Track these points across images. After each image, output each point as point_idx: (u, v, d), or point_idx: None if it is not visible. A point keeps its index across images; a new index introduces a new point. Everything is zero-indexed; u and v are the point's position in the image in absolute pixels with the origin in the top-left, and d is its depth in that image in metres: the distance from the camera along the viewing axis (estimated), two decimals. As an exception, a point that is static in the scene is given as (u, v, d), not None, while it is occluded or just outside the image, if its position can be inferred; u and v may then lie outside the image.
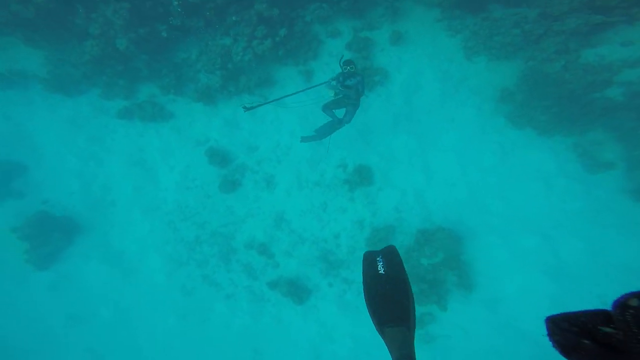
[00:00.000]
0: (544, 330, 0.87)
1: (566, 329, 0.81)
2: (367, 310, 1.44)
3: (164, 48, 10.68)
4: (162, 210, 10.33)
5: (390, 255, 1.58)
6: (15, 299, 9.89)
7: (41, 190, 10.64)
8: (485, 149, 9.81)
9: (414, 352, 1.28)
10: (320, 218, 9.74)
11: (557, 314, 0.85)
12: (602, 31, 9.36)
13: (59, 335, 9.71)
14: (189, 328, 9.63)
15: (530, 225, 9.09)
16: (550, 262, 8.76)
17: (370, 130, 10.20)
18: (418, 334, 8.58)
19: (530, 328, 8.16)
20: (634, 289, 0.72)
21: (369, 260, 1.58)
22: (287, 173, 10.22)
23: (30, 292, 9.94)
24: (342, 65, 7.23)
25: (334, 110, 8.26)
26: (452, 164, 9.77)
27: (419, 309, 8.70)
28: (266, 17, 9.69)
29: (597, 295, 8.28)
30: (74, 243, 10.28)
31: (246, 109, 7.65)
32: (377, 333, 1.37)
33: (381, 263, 1.53)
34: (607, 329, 0.76)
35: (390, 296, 1.43)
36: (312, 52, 10.55)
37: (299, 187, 10.06)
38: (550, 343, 0.84)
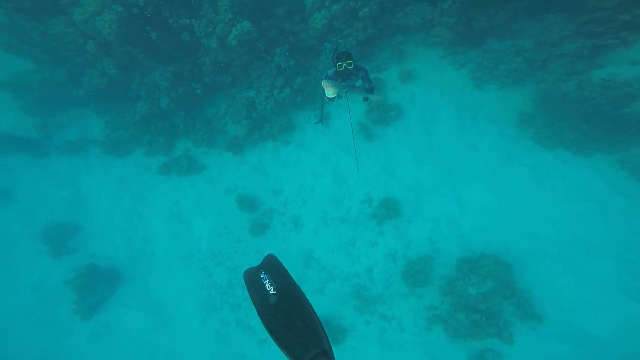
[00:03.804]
0: None
1: None
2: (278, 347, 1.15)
3: (197, 104, 11.20)
4: (196, 258, 10.06)
5: (273, 267, 1.36)
6: (60, 351, 9.56)
7: (91, 245, 10.82)
8: (518, 174, 8.90)
9: None
10: (349, 254, 8.86)
11: None
12: (604, 54, 8.90)
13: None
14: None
15: (596, 249, 7.72)
16: (637, 285, 7.17)
17: (392, 164, 9.61)
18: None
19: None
20: None
21: (253, 281, 1.33)
22: (313, 213, 9.78)
23: (74, 343, 9.63)
24: (335, 60, 4.98)
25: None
26: (484, 191, 8.89)
27: (477, 344, 7.37)
28: (284, 68, 9.79)
29: None
30: (117, 293, 10.13)
31: (318, 122, 6.74)
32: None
33: (268, 281, 1.30)
34: None
35: (293, 321, 1.18)
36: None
37: (325, 225, 9.49)
38: None
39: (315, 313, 1.19)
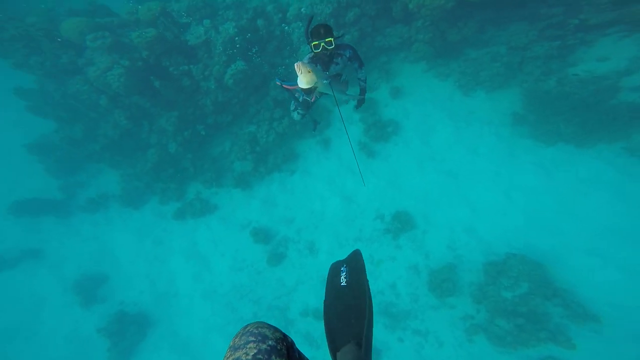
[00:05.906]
0: None
1: None
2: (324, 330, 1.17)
3: (203, 145, 11.31)
4: (219, 293, 9.83)
5: (354, 261, 1.37)
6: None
7: (118, 293, 10.71)
8: (522, 171, 8.57)
9: None
10: (369, 272, 8.31)
11: None
12: (572, 53, 8.95)
13: None
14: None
15: (629, 237, 7.05)
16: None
17: (397, 177, 9.45)
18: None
19: None
20: None
21: (334, 271, 1.37)
22: (326, 236, 9.55)
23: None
24: (309, 37, 3.40)
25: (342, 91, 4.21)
26: (493, 192, 8.55)
27: (531, 352, 6.61)
28: (280, 100, 9.81)
29: None
30: (147, 336, 9.83)
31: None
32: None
33: (344, 273, 1.32)
34: None
35: (348, 313, 1.18)
36: (325, 121, 10.38)
37: (339, 246, 9.25)
38: None
39: (368, 311, 1.17)
